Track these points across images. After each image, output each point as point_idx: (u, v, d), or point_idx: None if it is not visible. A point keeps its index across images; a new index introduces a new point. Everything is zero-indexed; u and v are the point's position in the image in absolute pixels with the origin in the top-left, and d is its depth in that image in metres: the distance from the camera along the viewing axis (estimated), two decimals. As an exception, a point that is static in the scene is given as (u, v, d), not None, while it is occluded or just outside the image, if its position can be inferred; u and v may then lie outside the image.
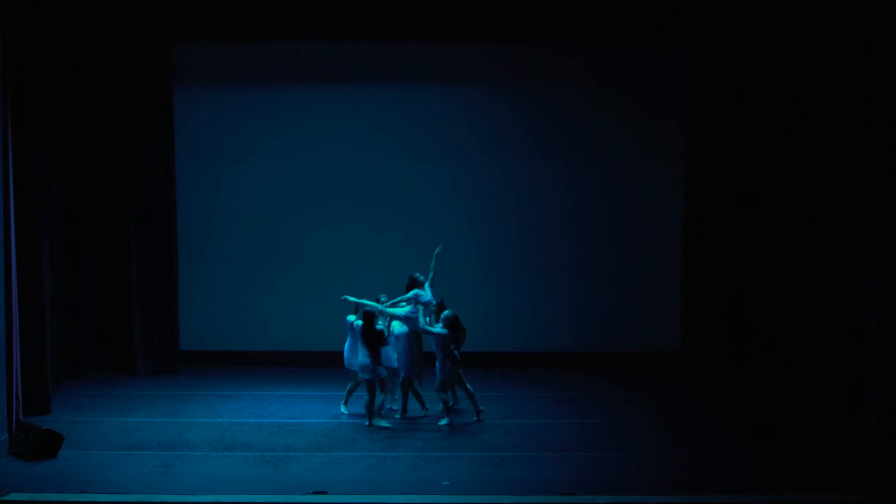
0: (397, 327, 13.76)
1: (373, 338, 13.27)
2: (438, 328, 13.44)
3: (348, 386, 14.13)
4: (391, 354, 13.64)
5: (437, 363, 13.55)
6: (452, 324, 13.43)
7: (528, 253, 17.19)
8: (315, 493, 10.91)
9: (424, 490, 11.05)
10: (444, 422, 13.60)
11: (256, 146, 16.99)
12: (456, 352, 13.48)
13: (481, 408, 13.74)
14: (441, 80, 17.02)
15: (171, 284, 16.69)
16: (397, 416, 13.92)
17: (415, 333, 13.69)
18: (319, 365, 16.69)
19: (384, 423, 13.43)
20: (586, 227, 17.17)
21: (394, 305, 13.90)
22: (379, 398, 13.45)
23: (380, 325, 13.48)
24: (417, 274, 14.00)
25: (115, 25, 15.59)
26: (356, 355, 13.67)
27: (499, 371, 16.54)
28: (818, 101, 14.65)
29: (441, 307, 13.74)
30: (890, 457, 11.87)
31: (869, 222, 12.25)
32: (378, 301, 13.85)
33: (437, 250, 14.06)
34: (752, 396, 15.15)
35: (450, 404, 13.85)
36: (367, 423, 13.45)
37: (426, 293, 13.80)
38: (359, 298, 13.73)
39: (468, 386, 13.67)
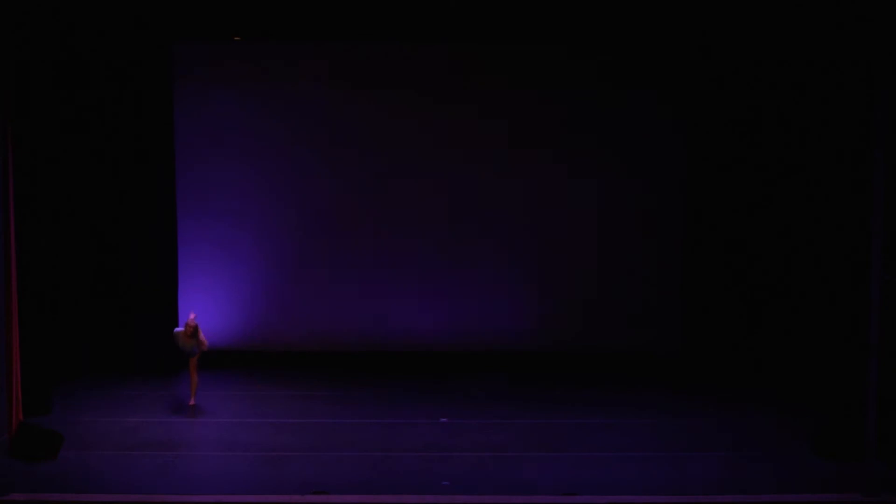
0: None
1: None
2: None
3: None
4: None
5: None
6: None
7: (529, 253, 17.19)
8: (315, 493, 10.91)
9: (424, 490, 11.05)
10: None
11: (256, 146, 16.99)
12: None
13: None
14: (442, 81, 17.02)
15: (171, 284, 16.70)
16: None
17: None
18: (319, 364, 16.72)
19: None
20: (587, 227, 17.18)
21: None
22: None
23: None
24: None
25: (116, 26, 15.58)
26: None
27: (498, 370, 16.54)
28: (818, 102, 14.66)
29: None
30: (890, 457, 11.87)
31: (869, 222, 12.24)
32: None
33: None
34: (751, 397, 15.15)
35: None
36: None
37: None
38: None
39: None
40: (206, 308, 17.00)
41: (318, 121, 17.00)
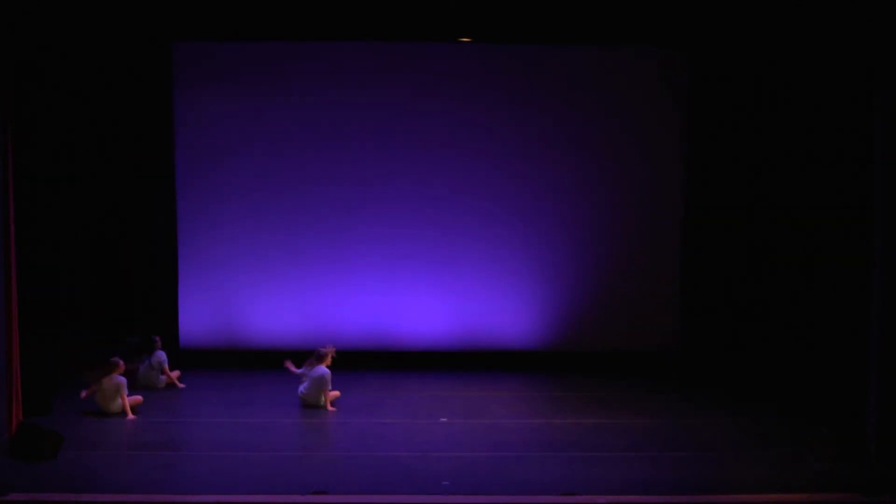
0: None
1: None
2: None
3: None
4: None
5: None
6: None
7: (529, 252, 17.21)
8: (315, 493, 10.90)
9: (424, 490, 11.04)
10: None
11: (256, 146, 17.01)
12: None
13: None
14: (441, 79, 17.05)
15: (172, 284, 16.72)
16: None
17: None
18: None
19: None
20: (586, 227, 17.20)
21: None
22: None
23: None
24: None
25: (116, 26, 15.59)
26: None
27: (499, 370, 16.55)
28: (817, 101, 14.66)
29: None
30: (890, 457, 11.87)
31: (869, 222, 12.25)
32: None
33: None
34: (751, 397, 15.16)
35: None
36: None
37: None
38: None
39: None
40: (206, 309, 17.05)
41: (320, 120, 17.01)
